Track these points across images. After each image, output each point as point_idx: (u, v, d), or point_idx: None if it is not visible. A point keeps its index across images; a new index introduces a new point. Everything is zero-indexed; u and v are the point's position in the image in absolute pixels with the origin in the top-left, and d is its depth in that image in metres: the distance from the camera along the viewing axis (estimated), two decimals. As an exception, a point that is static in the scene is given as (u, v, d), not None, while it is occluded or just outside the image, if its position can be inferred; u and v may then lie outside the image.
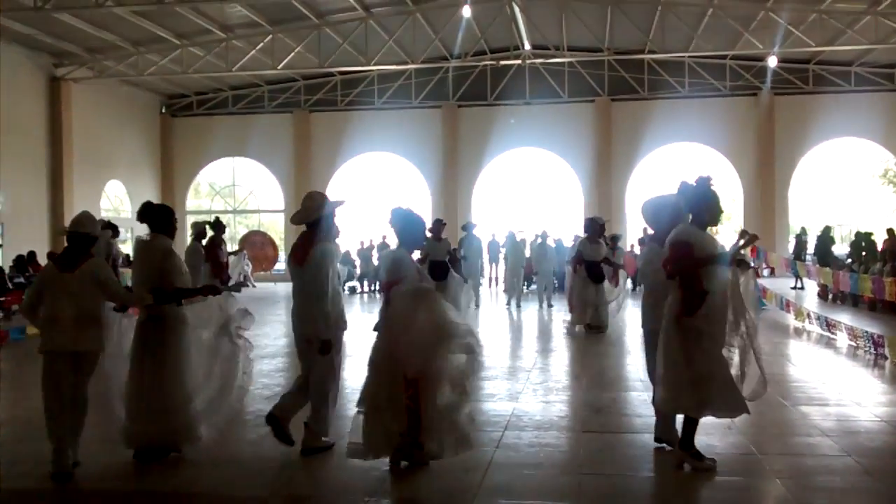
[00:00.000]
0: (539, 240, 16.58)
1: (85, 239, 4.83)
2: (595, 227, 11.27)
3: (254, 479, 4.66)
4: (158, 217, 5.10)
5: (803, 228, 20.86)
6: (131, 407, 4.89)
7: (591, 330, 10.97)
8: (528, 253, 17.79)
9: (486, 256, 20.09)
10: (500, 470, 4.69)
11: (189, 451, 5.00)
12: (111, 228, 11.35)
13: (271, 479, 4.64)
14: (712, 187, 4.63)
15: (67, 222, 4.99)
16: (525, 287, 18.37)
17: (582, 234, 12.06)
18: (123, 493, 4.53)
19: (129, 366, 4.93)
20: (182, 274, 5.02)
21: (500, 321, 13.40)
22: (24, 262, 16.22)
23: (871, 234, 17.07)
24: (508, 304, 15.51)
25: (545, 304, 15.23)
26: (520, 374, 8.03)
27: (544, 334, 11.82)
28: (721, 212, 4.71)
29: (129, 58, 20.94)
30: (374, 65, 21.44)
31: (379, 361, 4.62)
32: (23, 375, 8.42)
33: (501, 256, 19.68)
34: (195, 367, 4.99)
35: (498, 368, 8.35)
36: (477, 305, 14.95)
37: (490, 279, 21.28)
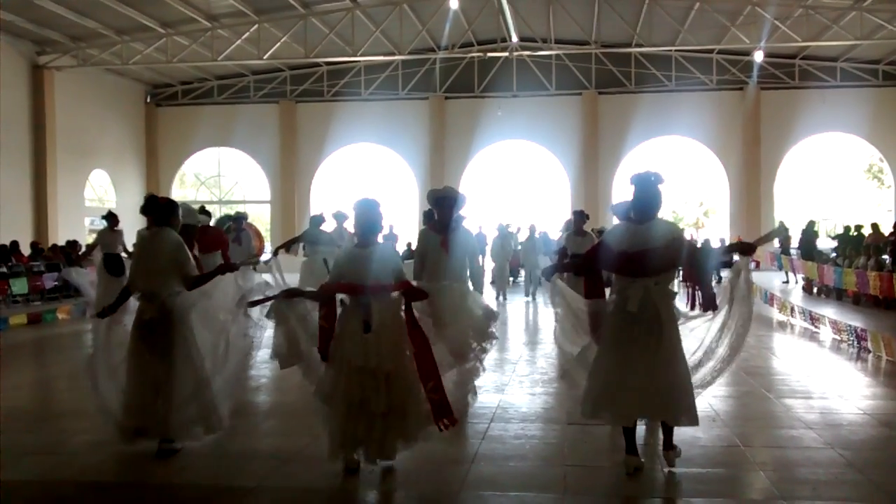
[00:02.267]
0: (527, 233, 16.57)
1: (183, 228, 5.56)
2: (581, 221, 11.22)
3: (242, 470, 4.65)
4: (164, 211, 5.10)
5: (781, 223, 20.98)
6: (135, 403, 4.84)
7: None
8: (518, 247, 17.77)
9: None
10: (485, 462, 4.70)
11: (189, 443, 4.96)
12: (111, 218, 11.30)
13: (259, 469, 4.62)
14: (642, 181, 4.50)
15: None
16: (511, 280, 18.37)
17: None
18: (112, 485, 4.49)
19: (132, 362, 4.89)
20: (193, 263, 5.07)
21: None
22: (7, 252, 16.02)
23: (861, 226, 17.17)
24: (497, 297, 15.49)
25: (532, 297, 15.24)
26: (506, 367, 8.02)
27: (531, 327, 11.83)
28: (640, 205, 4.47)
29: (114, 46, 20.69)
30: (361, 55, 21.33)
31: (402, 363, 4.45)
32: (9, 364, 8.33)
33: (489, 249, 19.67)
34: (209, 352, 4.96)
35: (485, 361, 8.34)
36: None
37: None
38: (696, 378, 4.51)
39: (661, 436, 4.67)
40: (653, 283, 4.31)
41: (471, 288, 5.98)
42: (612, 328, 4.39)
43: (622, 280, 4.42)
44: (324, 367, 4.47)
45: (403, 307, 4.47)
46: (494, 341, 5.80)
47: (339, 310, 4.53)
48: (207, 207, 11.85)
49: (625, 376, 4.28)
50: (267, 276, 11.30)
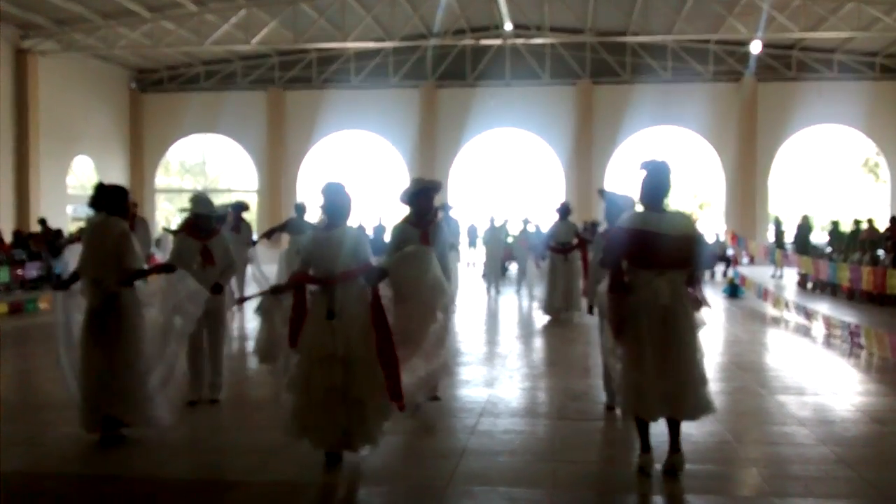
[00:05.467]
0: (520, 225, 16.44)
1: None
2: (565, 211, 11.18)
3: (227, 464, 4.61)
4: (111, 198, 5.04)
5: (777, 218, 20.99)
6: (87, 389, 4.87)
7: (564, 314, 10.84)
8: (509, 239, 17.64)
9: (464, 240, 19.98)
10: (474, 457, 4.66)
11: (155, 434, 4.96)
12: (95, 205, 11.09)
13: (244, 464, 4.57)
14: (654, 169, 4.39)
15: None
16: (503, 272, 18.24)
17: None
18: (95, 477, 4.44)
19: (82, 350, 4.91)
20: (137, 255, 5.00)
21: (477, 307, 13.32)
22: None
23: (860, 221, 17.10)
24: (488, 289, 15.39)
25: (523, 290, 15.13)
26: (496, 361, 7.97)
27: (522, 320, 11.74)
28: (654, 192, 4.37)
29: (98, 31, 20.41)
30: (351, 42, 21.10)
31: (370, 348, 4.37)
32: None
33: (480, 241, 19.57)
34: (149, 348, 4.98)
35: (474, 354, 8.29)
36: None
37: (468, 264, 21.20)
38: None
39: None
40: (678, 275, 4.26)
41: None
42: (641, 322, 4.23)
43: (645, 272, 4.25)
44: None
45: (370, 292, 4.42)
46: (449, 314, 5.20)
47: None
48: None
49: (659, 374, 4.19)
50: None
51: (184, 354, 5.31)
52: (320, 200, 4.54)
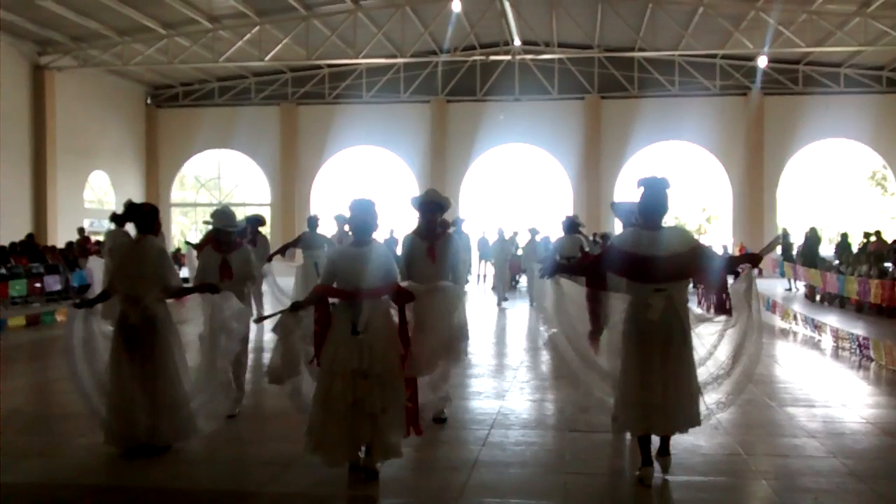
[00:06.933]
0: (529, 236, 16.51)
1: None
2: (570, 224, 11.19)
3: (240, 476, 4.63)
4: (147, 218, 5.10)
5: (784, 230, 20.94)
6: (121, 407, 4.88)
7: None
8: (519, 251, 17.71)
9: (475, 254, 20.06)
10: (485, 468, 4.66)
11: (176, 446, 4.99)
12: (117, 220, 11.23)
13: (258, 475, 4.59)
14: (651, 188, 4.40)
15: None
16: (513, 284, 18.29)
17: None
18: (110, 489, 4.48)
19: (113, 366, 4.92)
20: (177, 273, 5.11)
21: (487, 319, 13.36)
22: (6, 254, 15.94)
23: (870, 234, 17.04)
24: (497, 302, 15.44)
25: (534, 303, 15.18)
26: (507, 373, 7.98)
27: (532, 332, 11.76)
28: (650, 210, 4.39)
29: (115, 47, 20.70)
30: (363, 58, 21.32)
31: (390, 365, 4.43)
32: (8, 367, 8.28)
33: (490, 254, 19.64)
34: (193, 365, 5.04)
35: (485, 366, 8.31)
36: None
37: (479, 277, 21.26)
38: (712, 399, 4.50)
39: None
40: (675, 292, 4.26)
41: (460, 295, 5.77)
42: (634, 338, 4.28)
43: (640, 287, 4.28)
44: (312, 389, 4.45)
45: (396, 309, 4.46)
46: (461, 360, 5.52)
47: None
48: (207, 211, 11.83)
49: (651, 392, 4.23)
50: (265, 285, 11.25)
51: (229, 372, 5.29)
52: (348, 216, 4.57)
